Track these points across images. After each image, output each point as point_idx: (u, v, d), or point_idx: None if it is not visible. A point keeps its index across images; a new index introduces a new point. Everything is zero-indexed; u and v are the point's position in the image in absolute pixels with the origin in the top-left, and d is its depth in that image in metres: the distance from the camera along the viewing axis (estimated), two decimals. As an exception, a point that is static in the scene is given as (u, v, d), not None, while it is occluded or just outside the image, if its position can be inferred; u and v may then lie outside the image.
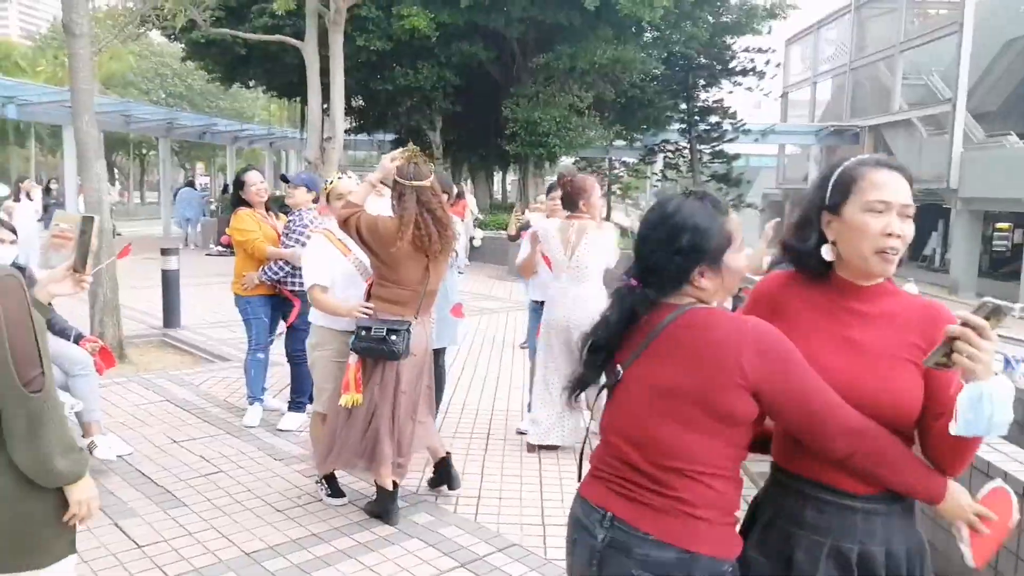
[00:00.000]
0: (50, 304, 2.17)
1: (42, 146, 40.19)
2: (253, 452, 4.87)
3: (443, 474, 4.26)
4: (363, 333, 3.68)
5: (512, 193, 31.93)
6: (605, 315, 1.77)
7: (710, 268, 1.67)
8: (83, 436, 4.52)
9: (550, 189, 5.79)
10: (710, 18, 20.27)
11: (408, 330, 3.70)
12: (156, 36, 31.87)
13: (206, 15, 14.75)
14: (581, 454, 1.89)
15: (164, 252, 8.83)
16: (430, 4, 16.48)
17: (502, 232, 16.59)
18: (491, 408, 5.98)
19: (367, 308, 3.76)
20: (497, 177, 33.74)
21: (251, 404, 5.49)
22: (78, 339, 4.65)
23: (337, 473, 4.17)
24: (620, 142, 26.35)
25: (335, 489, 4.14)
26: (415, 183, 3.68)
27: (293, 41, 14.86)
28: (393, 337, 3.64)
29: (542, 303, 5.07)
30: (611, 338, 1.74)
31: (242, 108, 48.15)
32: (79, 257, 2.13)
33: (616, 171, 38.07)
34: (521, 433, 5.32)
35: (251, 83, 22.32)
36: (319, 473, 4.16)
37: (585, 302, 4.68)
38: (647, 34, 20.70)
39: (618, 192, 38.07)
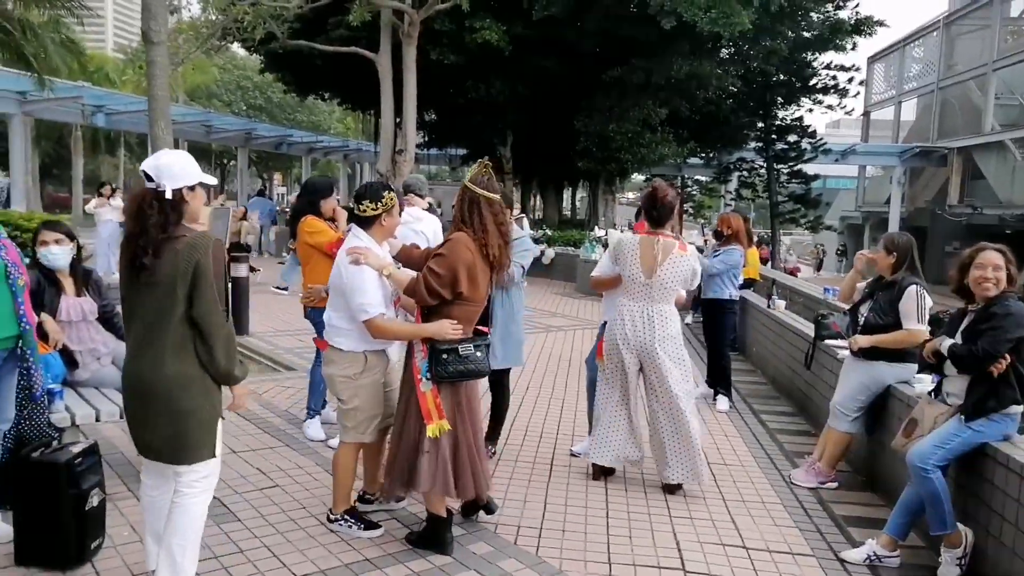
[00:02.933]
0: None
1: (131, 155, 41.86)
2: (311, 467, 4.73)
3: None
4: (446, 356, 3.43)
5: (581, 210, 31.68)
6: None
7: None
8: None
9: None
10: (790, 33, 19.65)
11: (488, 344, 3.59)
12: (239, 50, 32.91)
13: (284, 28, 15.05)
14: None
15: (234, 259, 8.87)
16: (503, 17, 16.45)
17: (570, 249, 16.33)
18: (555, 432, 5.72)
19: (457, 326, 3.47)
20: (566, 194, 33.52)
21: (310, 417, 5.35)
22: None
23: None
24: (694, 160, 25.84)
25: (368, 522, 3.83)
26: (488, 194, 3.55)
27: (367, 53, 15.02)
28: (479, 354, 3.50)
29: None
30: None
31: (319, 121, 49.31)
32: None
33: (689, 189, 37.47)
34: (574, 455, 5.10)
35: (326, 95, 22.73)
36: (337, 510, 3.83)
37: (663, 322, 4.44)
38: (724, 50, 20.25)
39: (691, 211, 37.46)
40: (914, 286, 4.45)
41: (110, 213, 13.32)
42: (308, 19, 16.66)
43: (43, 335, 4.06)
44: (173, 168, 2.79)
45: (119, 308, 4.66)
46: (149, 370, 2.75)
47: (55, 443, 3.51)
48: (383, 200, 3.61)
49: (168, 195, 2.74)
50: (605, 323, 5.24)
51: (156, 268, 2.69)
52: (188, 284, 2.69)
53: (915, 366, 4.61)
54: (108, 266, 12.79)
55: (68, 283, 4.38)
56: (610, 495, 4.54)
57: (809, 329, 6.61)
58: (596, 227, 18.10)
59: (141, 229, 2.72)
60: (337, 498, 3.86)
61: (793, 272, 25.25)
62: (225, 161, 50.97)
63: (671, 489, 4.59)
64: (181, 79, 27.34)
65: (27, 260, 4.36)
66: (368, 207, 3.58)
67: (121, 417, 4.18)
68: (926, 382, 4.41)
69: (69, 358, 4.29)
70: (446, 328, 3.46)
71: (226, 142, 26.89)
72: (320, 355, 5.23)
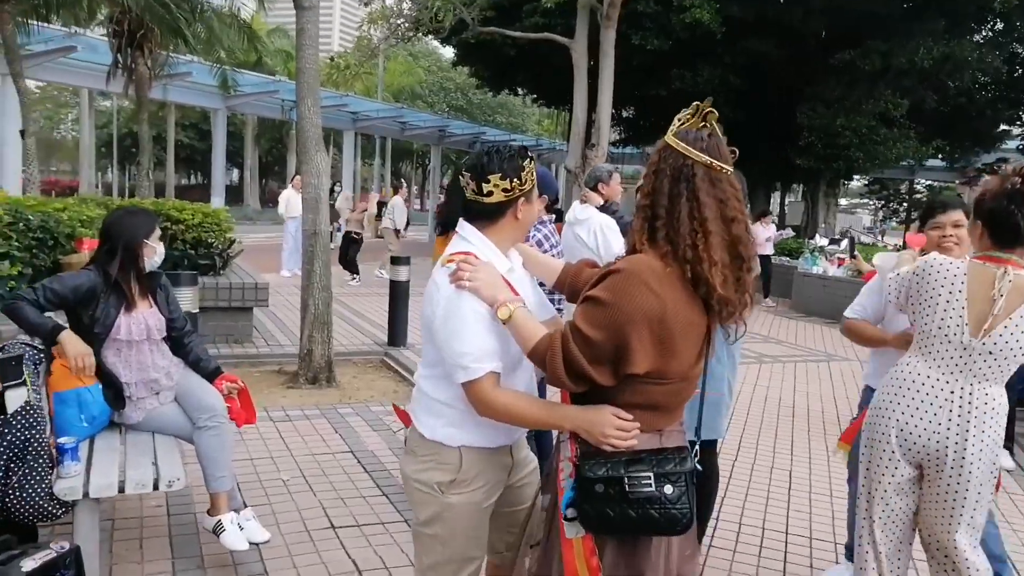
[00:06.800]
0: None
1: (339, 152, 43.83)
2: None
3: None
4: (601, 489, 1.74)
5: (792, 215, 28.60)
6: None
7: None
8: (209, 513, 3.29)
9: (930, 212, 3.15)
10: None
11: (694, 467, 1.79)
12: (446, 52, 33.05)
13: (475, 14, 14.12)
14: None
15: (394, 261, 7.82)
16: (717, -4, 14.49)
17: (784, 259, 14.06)
18: (783, 530, 3.95)
19: (629, 421, 1.79)
20: (775, 197, 30.47)
21: None
22: (215, 375, 3.43)
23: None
24: (935, 161, 22.17)
25: None
26: (711, 162, 1.76)
27: (562, 39, 13.73)
28: (669, 490, 1.72)
29: None
30: None
31: (517, 123, 49.08)
32: None
33: (918, 195, 33.11)
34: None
35: (519, 90, 21.78)
36: None
37: (988, 418, 2.45)
38: (987, 29, 16.89)
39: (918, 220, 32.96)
40: None
41: (297, 208, 12.94)
42: (502, 6, 15.70)
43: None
44: None
45: (188, 325, 3.56)
46: None
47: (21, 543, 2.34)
48: (522, 174, 1.96)
49: None
50: (868, 389, 3.39)
51: None
52: None
53: None
54: (293, 268, 12.35)
55: (134, 289, 3.28)
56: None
57: None
58: (817, 235, 15.62)
59: None
60: None
61: None
62: (426, 162, 52.25)
63: None
64: (385, 79, 27.81)
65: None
66: (496, 184, 1.95)
67: (172, 485, 2.99)
68: None
69: (115, 392, 3.19)
70: (607, 424, 1.77)
71: (420, 139, 26.84)
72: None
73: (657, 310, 1.68)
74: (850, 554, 3.36)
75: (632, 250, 1.82)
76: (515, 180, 1.94)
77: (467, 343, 1.87)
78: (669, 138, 1.80)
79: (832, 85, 15.89)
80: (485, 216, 2.00)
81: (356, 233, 12.81)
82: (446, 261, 1.94)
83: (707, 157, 1.76)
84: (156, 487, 2.90)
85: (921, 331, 2.57)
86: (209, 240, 7.51)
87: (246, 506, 3.51)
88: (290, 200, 12.81)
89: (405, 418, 2.17)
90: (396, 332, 7.67)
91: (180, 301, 5.20)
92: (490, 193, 1.94)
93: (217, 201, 17.54)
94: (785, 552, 3.70)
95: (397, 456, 4.62)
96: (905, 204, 33.65)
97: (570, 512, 1.79)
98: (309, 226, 6.20)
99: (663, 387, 1.79)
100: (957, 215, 3.00)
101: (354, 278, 12.54)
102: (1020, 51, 18.29)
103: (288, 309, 9.11)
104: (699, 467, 1.83)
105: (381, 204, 23.33)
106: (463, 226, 2.03)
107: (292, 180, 13.42)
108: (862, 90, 15.67)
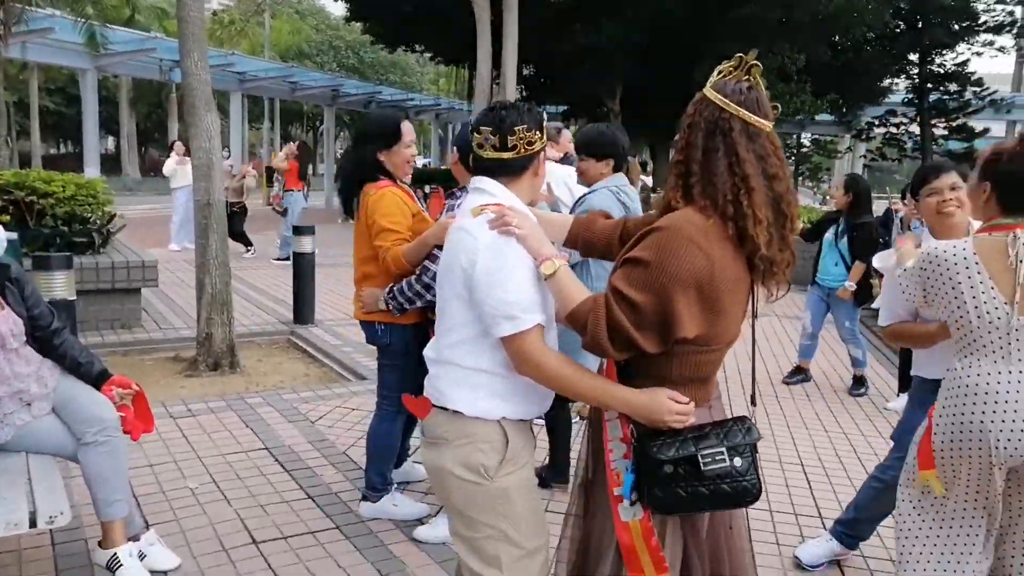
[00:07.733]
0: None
1: (225, 117, 41.44)
2: (369, 584, 2.93)
3: None
4: (671, 469, 1.66)
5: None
6: None
7: None
8: (101, 545, 2.77)
9: (923, 179, 2.89)
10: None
11: (754, 442, 1.75)
12: (334, 10, 31.55)
13: (370, -37, 13.31)
14: None
15: (297, 231, 7.21)
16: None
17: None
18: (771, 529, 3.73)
19: (684, 403, 1.70)
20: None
21: (365, 499, 3.43)
22: (101, 380, 2.87)
23: None
24: (823, 116, 22.81)
25: None
26: (750, 116, 1.69)
27: (464, -8, 13.11)
28: (738, 461, 1.68)
29: (937, 384, 2.40)
30: None
31: (411, 82, 47.77)
32: None
33: (805, 149, 34.33)
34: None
35: (418, 47, 20.93)
36: None
37: None
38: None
39: (806, 173, 34.26)
40: None
41: (184, 177, 11.75)
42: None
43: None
44: None
45: (56, 321, 2.95)
46: None
47: None
48: (542, 126, 1.87)
49: None
50: (919, 379, 2.87)
51: None
52: None
53: None
54: (183, 242, 11.38)
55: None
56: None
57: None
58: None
59: None
60: None
61: None
62: (317, 124, 50.22)
63: None
64: (271, 39, 26.25)
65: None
66: (522, 137, 1.82)
67: (53, 521, 2.44)
68: None
69: (-26, 409, 2.60)
70: (665, 411, 1.67)
71: (312, 100, 25.52)
72: (379, 399, 3.45)
73: (706, 269, 1.61)
74: (839, 530, 3.17)
75: (667, 208, 1.74)
76: (538, 132, 1.84)
77: (516, 292, 1.71)
78: (707, 90, 1.73)
79: (732, 41, 15.92)
80: (505, 173, 1.86)
81: (236, 203, 11.58)
82: (477, 212, 1.79)
83: (745, 111, 1.69)
84: (34, 524, 2.36)
85: (960, 327, 2.21)
86: (85, 215, 6.69)
87: (148, 527, 3.02)
88: (176, 168, 11.81)
89: (422, 408, 1.88)
90: (303, 309, 7.10)
91: (53, 287, 4.54)
92: (514, 147, 1.81)
93: (91, 171, 16.08)
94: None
95: (319, 450, 4.15)
96: (794, 157, 34.86)
97: (632, 496, 1.70)
98: (202, 196, 5.53)
99: (712, 354, 1.74)
100: (952, 177, 2.78)
101: (248, 250, 11.66)
102: (903, 6, 18.89)
103: (180, 287, 8.34)
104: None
105: (271, 170, 22.08)
106: (481, 180, 1.86)
107: (172, 146, 12.35)
108: (762, 46, 15.77)
